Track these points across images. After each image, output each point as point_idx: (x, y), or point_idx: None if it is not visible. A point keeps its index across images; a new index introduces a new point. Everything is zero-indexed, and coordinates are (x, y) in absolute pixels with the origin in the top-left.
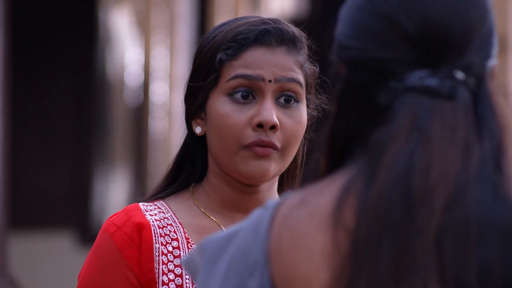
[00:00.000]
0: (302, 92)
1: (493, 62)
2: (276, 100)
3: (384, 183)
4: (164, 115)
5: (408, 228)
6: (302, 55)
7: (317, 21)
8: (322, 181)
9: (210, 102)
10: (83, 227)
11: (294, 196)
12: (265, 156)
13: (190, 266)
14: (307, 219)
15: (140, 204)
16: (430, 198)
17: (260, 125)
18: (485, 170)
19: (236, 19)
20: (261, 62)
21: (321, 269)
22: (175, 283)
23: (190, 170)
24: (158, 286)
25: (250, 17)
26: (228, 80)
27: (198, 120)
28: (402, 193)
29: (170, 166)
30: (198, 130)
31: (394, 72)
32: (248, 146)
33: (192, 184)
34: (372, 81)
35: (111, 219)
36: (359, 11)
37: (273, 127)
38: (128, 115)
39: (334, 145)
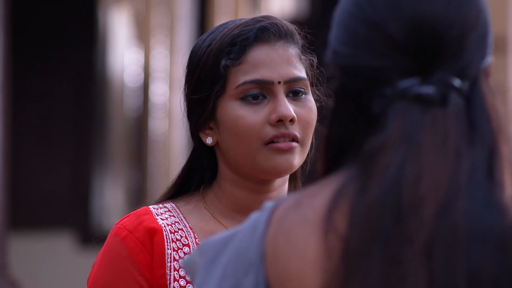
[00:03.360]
0: (308, 84)
1: (487, 61)
2: (286, 95)
3: (375, 194)
4: (164, 116)
5: (398, 239)
6: (299, 48)
7: (317, 21)
8: (318, 183)
9: (220, 109)
10: (83, 228)
11: (290, 199)
12: (288, 150)
13: (189, 267)
14: (301, 222)
15: (151, 207)
16: (420, 208)
17: (279, 121)
18: (477, 177)
19: (223, 25)
20: (265, 62)
21: (313, 272)
22: None
23: (200, 178)
24: None
25: (237, 20)
26: (237, 87)
27: (207, 131)
28: (392, 204)
29: (176, 178)
30: (209, 140)
31: (386, 79)
32: (270, 143)
33: (202, 186)
34: (365, 88)
35: (121, 222)
36: (350, 17)
37: (292, 121)
38: (128, 116)
39: (330, 147)
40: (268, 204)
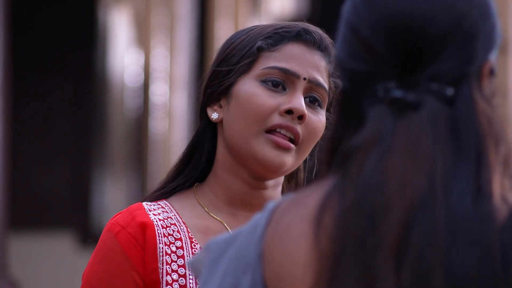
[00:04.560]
0: (326, 98)
1: (480, 62)
2: (304, 98)
3: (351, 198)
4: (164, 116)
5: (371, 243)
6: (330, 68)
7: (317, 21)
8: (315, 183)
9: (238, 85)
10: (83, 228)
11: (289, 199)
12: (284, 148)
13: (195, 266)
14: (295, 222)
15: (144, 203)
16: (388, 213)
17: (289, 112)
18: (458, 183)
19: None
20: (299, 58)
21: (305, 273)
22: (178, 283)
23: (197, 160)
24: (162, 287)
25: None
26: (264, 68)
27: (215, 107)
28: (366, 208)
29: (182, 155)
30: (214, 116)
31: (369, 82)
32: (270, 132)
33: (196, 184)
34: (353, 91)
35: (115, 218)
36: (343, 21)
37: (301, 118)
38: (128, 116)
39: (331, 147)
40: (270, 205)
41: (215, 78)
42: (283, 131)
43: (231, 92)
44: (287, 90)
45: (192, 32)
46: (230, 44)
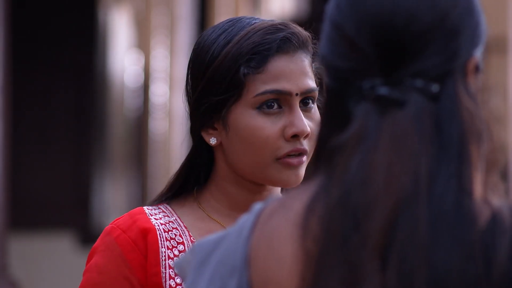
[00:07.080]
0: (317, 94)
1: (466, 58)
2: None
3: (335, 196)
4: (164, 116)
5: (355, 242)
6: (311, 56)
7: (317, 21)
8: (302, 185)
9: (233, 115)
10: (84, 229)
11: (276, 201)
12: (299, 165)
13: (181, 268)
14: (282, 225)
15: (145, 208)
16: (372, 212)
17: (294, 136)
18: (440, 181)
19: (236, 23)
20: (285, 73)
21: (292, 276)
22: (182, 287)
23: (196, 178)
24: None
25: (251, 20)
26: (256, 95)
27: (210, 131)
28: (350, 207)
29: (176, 175)
30: (213, 141)
31: (353, 80)
32: (282, 158)
33: (195, 188)
34: (338, 89)
35: (115, 222)
36: (326, 18)
37: (307, 136)
38: (128, 116)
39: (318, 147)
40: (256, 207)
41: (203, 106)
42: (292, 157)
43: (227, 121)
44: (283, 107)
45: (192, 32)
46: (207, 64)
